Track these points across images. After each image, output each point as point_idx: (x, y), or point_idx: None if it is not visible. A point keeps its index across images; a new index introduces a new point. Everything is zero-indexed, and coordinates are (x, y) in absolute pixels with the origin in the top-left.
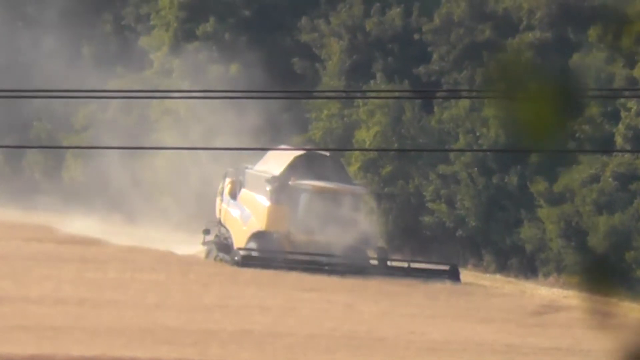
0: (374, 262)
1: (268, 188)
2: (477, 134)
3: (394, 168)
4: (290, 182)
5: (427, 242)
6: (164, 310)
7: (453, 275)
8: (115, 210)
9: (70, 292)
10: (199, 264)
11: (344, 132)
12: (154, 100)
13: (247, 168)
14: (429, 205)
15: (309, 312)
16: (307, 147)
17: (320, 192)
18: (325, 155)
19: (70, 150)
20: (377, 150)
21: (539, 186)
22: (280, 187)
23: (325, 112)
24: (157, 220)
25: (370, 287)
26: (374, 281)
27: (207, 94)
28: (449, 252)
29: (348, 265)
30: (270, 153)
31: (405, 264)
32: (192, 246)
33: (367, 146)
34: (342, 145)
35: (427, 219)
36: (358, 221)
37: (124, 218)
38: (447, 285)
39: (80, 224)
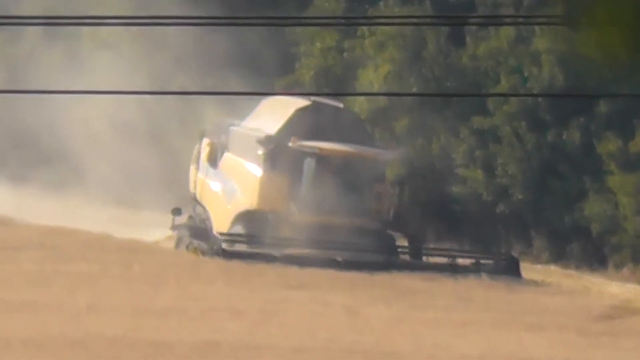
0: (405, 252)
1: (260, 152)
2: (525, 74)
3: (412, 121)
4: (290, 144)
5: (456, 221)
6: (99, 314)
7: (511, 269)
8: (33, 177)
9: None
10: (146, 251)
11: (343, 72)
12: (86, 28)
13: (231, 125)
14: (460, 171)
15: (296, 318)
16: (301, 92)
17: (331, 156)
18: (338, 107)
19: None
20: (388, 95)
21: (609, 145)
22: (277, 151)
23: (319, 44)
24: (89, 192)
25: (379, 282)
26: (383, 275)
27: (159, 20)
28: (486, 234)
29: (371, 259)
30: (264, 104)
31: (445, 257)
32: (136, 227)
33: (374, 91)
34: (341, 90)
35: (456, 189)
36: (383, 196)
37: (45, 188)
38: (483, 280)
39: None
